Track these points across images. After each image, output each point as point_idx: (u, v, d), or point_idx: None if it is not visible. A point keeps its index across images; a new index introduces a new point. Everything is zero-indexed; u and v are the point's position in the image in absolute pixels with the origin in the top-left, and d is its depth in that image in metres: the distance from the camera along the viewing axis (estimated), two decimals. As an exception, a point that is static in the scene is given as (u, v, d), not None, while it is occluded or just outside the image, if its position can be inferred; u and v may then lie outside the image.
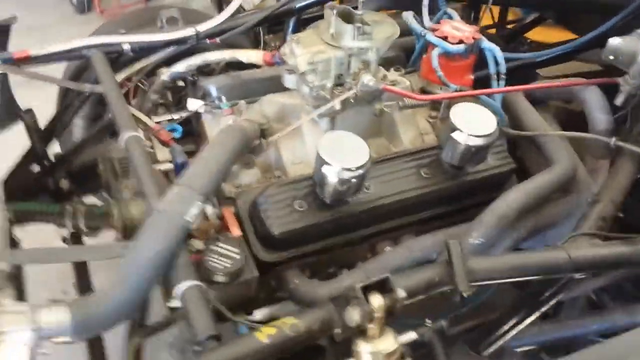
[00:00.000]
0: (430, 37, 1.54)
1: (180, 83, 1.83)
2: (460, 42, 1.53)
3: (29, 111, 1.72)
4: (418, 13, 1.67)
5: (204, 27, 1.79)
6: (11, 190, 1.55)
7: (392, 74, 1.54)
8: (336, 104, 1.39)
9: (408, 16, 1.66)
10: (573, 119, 1.69)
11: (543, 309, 1.23)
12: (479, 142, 1.29)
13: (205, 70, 1.81)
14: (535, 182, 1.32)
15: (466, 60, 1.59)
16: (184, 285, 1.02)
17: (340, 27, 1.34)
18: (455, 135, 1.30)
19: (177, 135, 1.59)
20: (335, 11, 1.36)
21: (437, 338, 1.17)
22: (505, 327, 1.27)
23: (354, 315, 0.96)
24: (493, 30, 2.57)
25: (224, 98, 1.64)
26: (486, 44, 1.56)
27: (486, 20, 2.51)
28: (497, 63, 1.56)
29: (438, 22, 1.64)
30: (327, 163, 1.18)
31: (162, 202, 1.10)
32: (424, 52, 1.65)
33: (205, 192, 1.12)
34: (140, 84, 1.81)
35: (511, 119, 1.62)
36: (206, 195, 1.12)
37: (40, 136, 1.76)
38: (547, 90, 1.65)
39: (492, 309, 1.29)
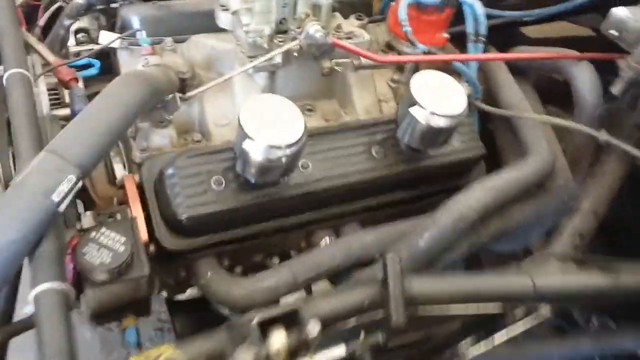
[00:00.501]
0: (401, -18, 1.26)
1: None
2: (436, -9, 1.26)
3: None
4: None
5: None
6: None
7: (350, 24, 1.26)
8: (275, 56, 1.11)
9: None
10: (557, 89, 1.45)
11: (499, 333, 1.04)
12: (444, 122, 1.04)
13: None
14: (504, 177, 1.09)
15: (440, 14, 1.32)
16: (38, 289, 0.77)
17: (285, -40, 1.05)
18: (414, 111, 1.05)
19: (93, 72, 1.30)
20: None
21: (372, 354, 0.97)
22: (454, 346, 1.07)
23: (245, 358, 0.73)
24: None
25: (144, 32, 1.34)
26: (467, -3, 1.28)
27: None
28: (476, 21, 1.30)
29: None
30: (249, 137, 0.92)
31: (21, 174, 0.82)
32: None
33: (82, 163, 0.83)
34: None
35: (486, 88, 1.38)
36: (83, 168, 0.84)
37: None
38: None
39: (440, 321, 1.08)
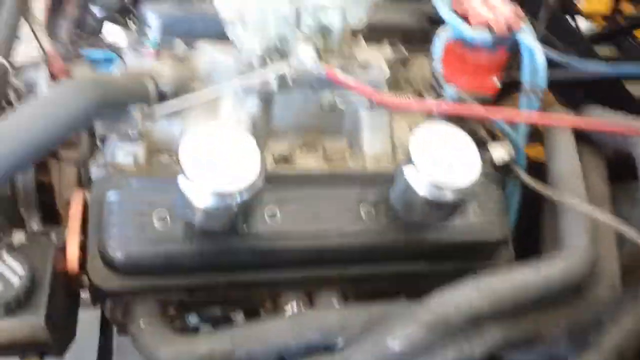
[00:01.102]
0: (442, 9, 1.03)
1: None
2: (486, 26, 1.02)
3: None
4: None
5: None
6: None
7: (377, 51, 1.06)
8: (268, 79, 0.94)
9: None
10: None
11: None
12: (442, 195, 0.81)
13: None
14: (515, 277, 0.83)
15: (492, 55, 1.08)
16: None
17: (292, -35, 0.87)
18: (408, 173, 0.83)
19: (107, 68, 1.20)
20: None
21: None
22: None
23: None
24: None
25: (154, 33, 1.22)
26: (526, 37, 1.04)
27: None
28: (534, 70, 1.05)
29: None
30: (185, 177, 0.75)
31: None
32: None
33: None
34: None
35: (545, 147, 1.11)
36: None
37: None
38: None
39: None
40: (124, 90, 0.90)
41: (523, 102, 1.07)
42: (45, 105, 0.77)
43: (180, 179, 0.75)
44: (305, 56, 0.87)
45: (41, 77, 1.12)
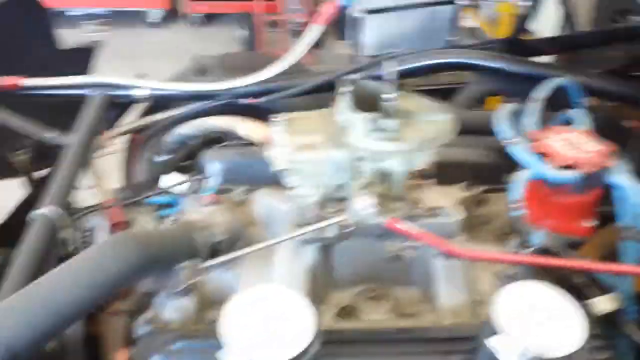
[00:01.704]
0: (518, 149, 0.94)
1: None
2: (571, 166, 0.91)
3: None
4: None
5: (240, 82, 1.39)
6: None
7: (449, 194, 0.97)
8: (326, 229, 0.86)
9: (501, 110, 1.06)
10: None
11: None
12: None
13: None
14: None
15: (582, 195, 0.96)
16: None
17: (350, 115, 0.82)
18: (494, 344, 0.69)
19: (171, 212, 1.18)
20: (350, 87, 0.84)
21: None
22: None
23: None
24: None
25: (214, 179, 1.20)
26: (618, 177, 0.91)
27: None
28: (634, 213, 0.91)
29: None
30: (229, 351, 0.65)
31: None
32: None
33: (10, 345, 0.65)
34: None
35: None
36: (11, 350, 0.65)
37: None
38: None
39: None
40: (174, 246, 0.84)
41: (627, 249, 0.92)
42: (92, 260, 0.72)
43: (220, 355, 0.65)
44: (362, 206, 0.79)
45: (100, 226, 1.10)
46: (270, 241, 0.85)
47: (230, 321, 0.66)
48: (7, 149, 1.36)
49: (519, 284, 0.74)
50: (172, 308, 0.89)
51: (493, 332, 0.69)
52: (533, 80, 1.32)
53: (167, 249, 0.82)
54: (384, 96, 0.81)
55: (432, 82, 1.56)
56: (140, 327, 0.87)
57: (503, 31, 3.67)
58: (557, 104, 1.15)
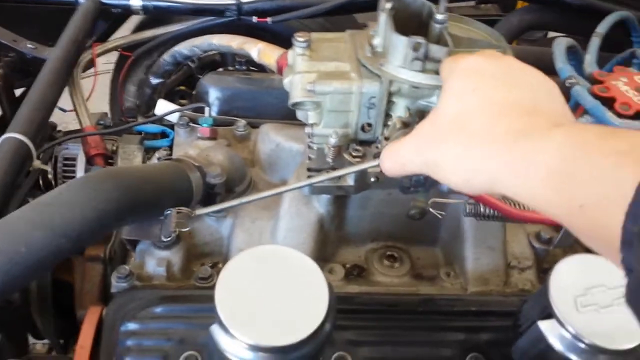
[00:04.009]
0: (581, 93, 0.79)
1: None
2: (639, 115, 0.76)
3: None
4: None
5: (253, -2, 1.21)
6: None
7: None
8: (342, 176, 0.72)
9: (559, 45, 0.90)
10: None
11: None
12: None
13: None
14: None
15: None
16: None
17: (389, 38, 0.66)
18: (545, 327, 0.56)
19: (163, 144, 1.04)
20: (390, 4, 0.67)
21: None
22: None
23: None
24: None
25: (212, 108, 1.05)
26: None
27: None
28: None
29: (612, 69, 0.88)
30: (226, 331, 0.52)
31: None
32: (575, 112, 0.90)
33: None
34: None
35: None
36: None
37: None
38: None
39: None
40: (162, 188, 0.70)
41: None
42: (61, 201, 0.59)
43: (215, 330, 0.53)
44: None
45: (79, 158, 0.96)
46: (275, 190, 0.71)
47: (228, 289, 0.53)
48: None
49: (580, 257, 0.61)
50: (155, 260, 0.77)
51: (546, 313, 0.57)
52: (585, 13, 1.15)
53: (152, 191, 0.68)
54: (437, 17, 0.64)
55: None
56: (117, 282, 0.74)
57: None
58: (612, 40, 0.99)
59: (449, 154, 0.47)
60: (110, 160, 0.98)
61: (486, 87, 0.48)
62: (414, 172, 0.53)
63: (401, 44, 0.64)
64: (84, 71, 1.15)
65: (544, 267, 0.84)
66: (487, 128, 0.45)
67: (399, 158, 0.53)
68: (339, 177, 0.71)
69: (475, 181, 0.45)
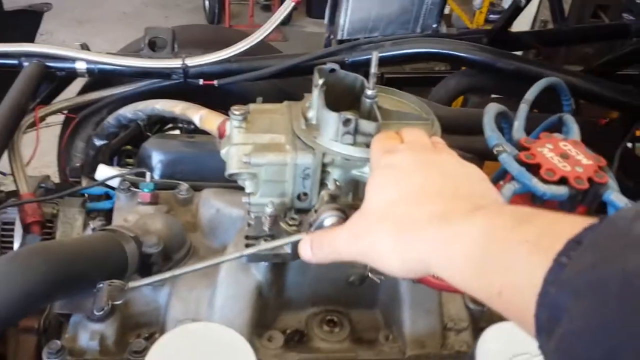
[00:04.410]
0: (508, 160, 0.82)
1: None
2: (563, 181, 0.80)
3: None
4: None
5: (197, 60, 1.23)
6: None
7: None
8: (282, 245, 0.72)
9: (488, 112, 0.94)
10: None
11: None
12: None
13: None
14: None
15: (569, 212, 0.85)
16: None
17: (321, 112, 0.68)
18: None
19: (107, 206, 1.02)
20: (322, 79, 0.70)
21: None
22: None
23: None
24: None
25: (154, 172, 1.05)
26: (612, 194, 0.81)
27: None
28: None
29: (538, 135, 0.92)
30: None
31: None
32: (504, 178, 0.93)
33: None
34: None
35: None
36: None
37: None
38: None
39: None
40: (96, 261, 0.69)
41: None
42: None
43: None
44: (328, 220, 0.65)
45: (17, 223, 0.94)
46: (211, 260, 0.72)
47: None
48: None
49: (507, 325, 0.63)
50: (88, 333, 0.75)
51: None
52: (518, 78, 1.22)
53: (83, 265, 0.67)
54: (368, 92, 0.67)
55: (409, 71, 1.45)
56: (48, 357, 0.72)
57: (480, 19, 3.57)
58: (541, 104, 1.05)
59: (382, 244, 0.49)
60: (49, 224, 0.97)
61: (406, 179, 0.51)
62: (349, 260, 0.54)
63: (332, 119, 0.66)
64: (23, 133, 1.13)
65: (480, 326, 0.86)
66: (411, 214, 0.47)
67: (335, 247, 0.55)
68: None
69: (411, 266, 0.47)
